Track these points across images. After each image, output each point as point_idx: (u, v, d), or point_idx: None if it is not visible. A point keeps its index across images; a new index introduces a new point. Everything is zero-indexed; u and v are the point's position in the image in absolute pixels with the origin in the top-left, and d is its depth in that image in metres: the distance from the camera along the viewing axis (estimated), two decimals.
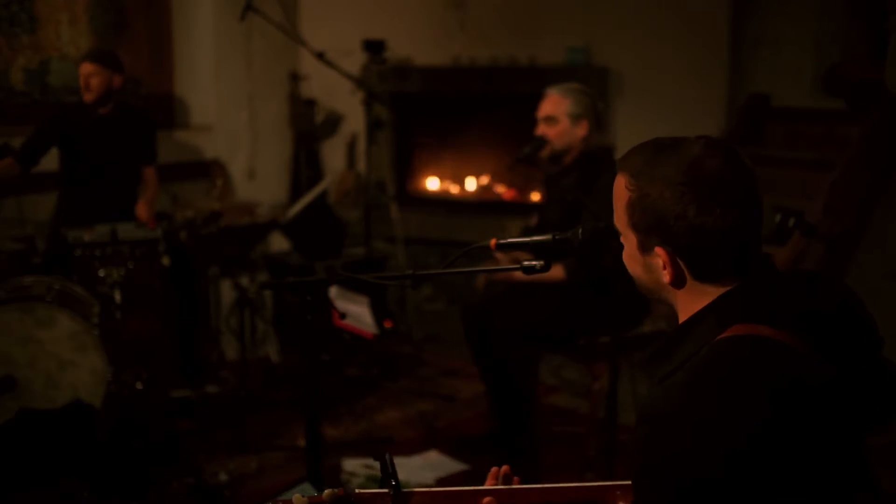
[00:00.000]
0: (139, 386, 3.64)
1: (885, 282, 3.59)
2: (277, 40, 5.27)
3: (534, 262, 2.02)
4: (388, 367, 4.57)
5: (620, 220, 1.43)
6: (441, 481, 3.36)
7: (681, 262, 1.37)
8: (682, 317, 1.42)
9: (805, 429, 1.26)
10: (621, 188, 1.41)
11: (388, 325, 4.37)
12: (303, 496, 1.46)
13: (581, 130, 3.40)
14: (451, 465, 3.52)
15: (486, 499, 1.47)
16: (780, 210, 3.24)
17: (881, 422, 1.40)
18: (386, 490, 1.48)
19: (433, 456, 3.60)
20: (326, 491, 1.47)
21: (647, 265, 1.42)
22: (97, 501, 3.03)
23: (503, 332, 3.37)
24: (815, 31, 4.89)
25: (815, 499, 1.26)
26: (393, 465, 1.48)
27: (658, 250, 1.37)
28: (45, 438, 3.10)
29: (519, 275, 2.13)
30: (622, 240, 1.46)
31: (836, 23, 4.86)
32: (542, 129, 3.44)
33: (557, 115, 3.41)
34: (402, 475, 1.53)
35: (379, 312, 4.17)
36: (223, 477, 3.36)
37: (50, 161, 4.01)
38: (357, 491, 1.48)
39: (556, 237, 2.01)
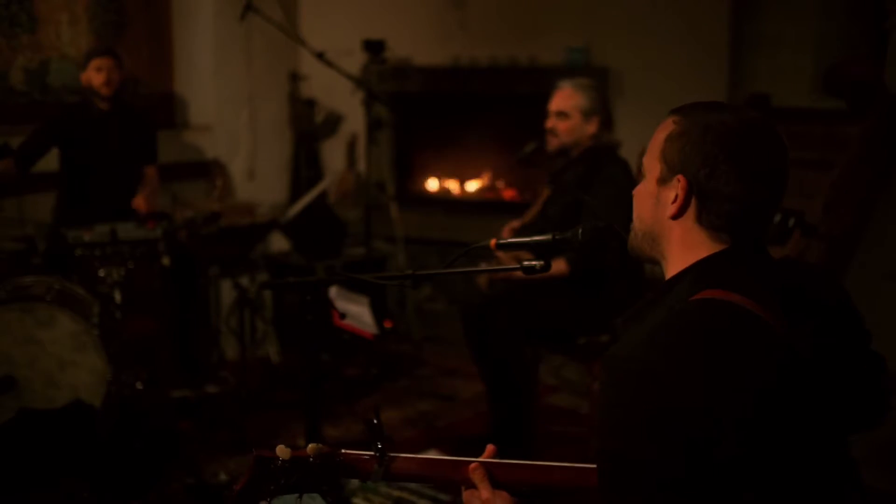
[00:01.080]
0: (139, 386, 3.64)
1: (885, 282, 3.59)
2: (277, 40, 5.27)
3: (534, 262, 2.02)
4: (388, 367, 4.57)
5: (653, 152, 1.47)
6: None
7: (693, 199, 1.41)
8: (668, 267, 1.46)
9: (762, 397, 1.27)
10: (667, 124, 1.46)
11: (388, 325, 4.37)
12: (285, 447, 1.45)
13: (591, 127, 3.40)
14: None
15: (473, 465, 1.47)
16: (780, 210, 3.23)
17: (867, 417, 1.40)
18: (371, 452, 1.48)
19: (432, 455, 3.59)
20: (311, 445, 1.47)
21: (658, 198, 1.45)
22: (97, 501, 3.03)
23: (503, 332, 3.37)
24: (815, 31, 4.89)
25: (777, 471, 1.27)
26: (381, 426, 1.48)
27: (679, 177, 1.41)
28: (45, 438, 3.10)
29: (520, 274, 2.13)
30: (643, 182, 1.49)
31: (836, 23, 4.86)
32: (552, 123, 3.43)
33: (569, 111, 3.39)
34: None
35: (379, 312, 4.17)
36: (223, 477, 3.36)
37: (50, 161, 4.01)
38: (343, 451, 1.48)
39: (556, 237, 2.01)
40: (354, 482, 3.27)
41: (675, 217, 1.43)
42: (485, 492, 1.45)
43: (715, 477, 1.24)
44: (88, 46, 4.63)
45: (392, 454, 1.48)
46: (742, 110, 1.44)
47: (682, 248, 1.44)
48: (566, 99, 3.41)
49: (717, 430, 1.24)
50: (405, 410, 4.11)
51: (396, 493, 3.20)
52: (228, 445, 3.65)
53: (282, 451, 1.45)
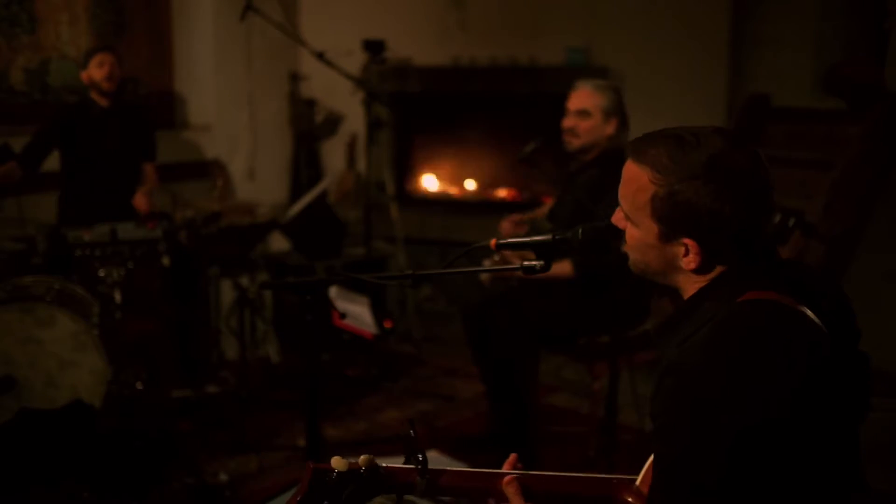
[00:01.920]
0: (139, 386, 3.64)
1: (885, 282, 3.59)
2: (277, 40, 5.27)
3: (534, 263, 2.02)
4: (388, 367, 4.57)
5: (640, 210, 1.45)
6: None
7: (705, 254, 1.42)
8: (689, 292, 1.47)
9: (822, 387, 1.30)
10: (643, 181, 1.44)
11: (388, 325, 4.36)
12: (341, 459, 1.46)
13: (610, 128, 3.38)
14: (452, 466, 3.52)
15: (507, 478, 1.49)
16: (780, 210, 3.23)
17: (859, 416, 1.42)
18: (412, 466, 1.49)
19: (433, 456, 3.58)
20: (363, 457, 1.47)
21: (665, 253, 1.45)
22: (97, 501, 3.03)
23: (503, 332, 3.37)
24: (815, 31, 4.89)
25: (817, 468, 1.31)
26: (417, 439, 1.49)
27: (687, 241, 1.41)
28: (45, 438, 3.10)
29: (520, 274, 2.12)
30: (633, 228, 1.49)
31: (836, 23, 4.86)
32: (572, 122, 3.39)
33: (591, 110, 3.37)
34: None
35: (379, 312, 4.17)
36: (223, 477, 3.35)
37: (50, 161, 4.01)
38: (385, 465, 1.49)
39: (556, 237, 2.01)
40: None
41: (698, 272, 1.44)
42: None
43: (738, 476, 1.27)
44: (88, 46, 4.63)
45: (432, 468, 1.50)
46: (707, 140, 1.41)
47: (700, 276, 1.46)
48: (587, 98, 3.38)
49: (783, 425, 1.27)
50: (405, 410, 4.11)
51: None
52: (228, 445, 3.65)
53: (337, 462, 1.45)
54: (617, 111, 3.38)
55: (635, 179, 1.45)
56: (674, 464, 1.32)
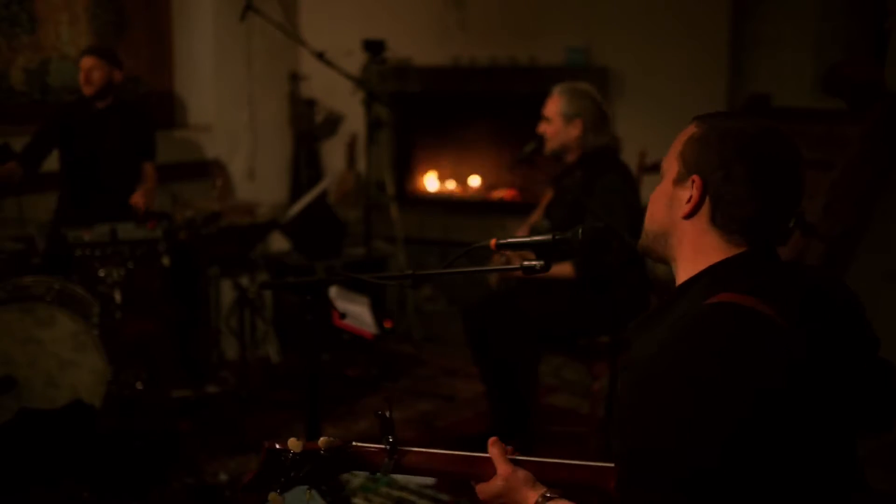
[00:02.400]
0: (139, 386, 3.64)
1: (885, 282, 3.59)
2: (277, 40, 5.27)
3: (534, 263, 2.02)
4: (388, 367, 4.57)
5: (672, 153, 1.49)
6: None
7: (707, 200, 1.43)
8: (679, 269, 1.47)
9: (779, 401, 1.27)
10: (690, 128, 1.49)
11: (388, 325, 4.37)
12: (297, 440, 1.46)
13: (574, 130, 3.41)
14: None
15: (492, 439, 1.50)
16: None
17: (879, 422, 1.41)
18: (382, 446, 1.48)
19: None
20: (322, 438, 1.48)
21: (673, 198, 1.47)
22: (97, 501, 3.03)
23: (503, 332, 3.37)
24: (815, 31, 4.89)
25: (788, 473, 1.29)
26: (392, 421, 1.48)
27: (694, 177, 1.43)
28: (45, 438, 3.10)
29: (520, 274, 2.12)
30: (662, 174, 1.51)
31: (836, 23, 4.86)
32: (541, 128, 3.48)
33: (550, 115, 3.45)
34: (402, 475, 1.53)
35: (379, 312, 4.17)
36: (223, 477, 3.36)
37: (50, 161, 4.01)
38: (354, 444, 1.48)
39: (556, 237, 2.01)
40: (356, 482, 3.27)
41: (688, 216, 1.44)
42: (504, 466, 1.47)
43: (726, 476, 1.26)
44: (88, 46, 4.63)
45: (402, 448, 1.49)
46: (761, 120, 1.45)
47: (694, 250, 1.44)
48: (549, 104, 3.47)
49: (731, 432, 1.25)
50: (405, 410, 4.11)
51: (397, 493, 3.20)
52: (228, 445, 3.64)
53: (293, 443, 1.46)
54: (580, 113, 3.40)
55: (685, 130, 1.49)
56: (631, 462, 1.33)
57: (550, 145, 3.46)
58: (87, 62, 4.00)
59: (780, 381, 1.28)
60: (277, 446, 1.48)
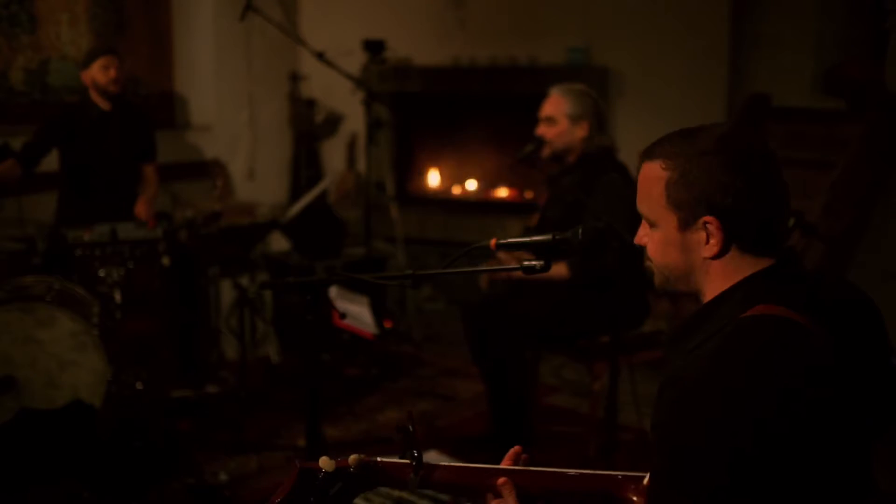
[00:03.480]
0: (139, 386, 3.64)
1: (885, 282, 3.59)
2: (277, 40, 5.27)
3: (534, 262, 2.02)
4: (388, 367, 4.57)
5: (656, 204, 1.44)
6: None
7: (726, 232, 1.40)
8: (709, 295, 1.44)
9: (820, 409, 1.29)
10: (656, 172, 1.43)
11: (388, 325, 4.37)
12: (329, 459, 1.46)
13: (580, 131, 3.40)
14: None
15: (501, 479, 1.48)
16: None
17: (886, 427, 1.41)
18: (408, 461, 1.48)
19: (433, 456, 3.59)
20: (352, 456, 1.47)
21: (686, 243, 1.43)
22: (97, 501, 3.03)
23: (503, 332, 3.37)
24: (815, 31, 4.89)
25: (824, 479, 1.30)
26: (415, 435, 1.49)
27: (707, 218, 1.39)
28: (45, 438, 3.10)
29: (520, 274, 2.12)
30: (654, 229, 1.47)
31: (836, 23, 4.86)
32: (541, 129, 3.46)
33: (556, 116, 3.41)
34: None
35: (379, 312, 4.17)
36: (223, 477, 3.36)
37: (50, 161, 4.01)
38: (379, 459, 1.49)
39: (556, 237, 2.01)
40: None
41: (717, 257, 1.41)
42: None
43: (762, 481, 1.27)
44: (88, 46, 4.64)
45: (427, 463, 1.49)
46: (711, 126, 1.43)
47: (724, 277, 1.42)
48: (553, 105, 3.43)
49: (775, 440, 1.26)
50: (405, 410, 4.11)
51: (397, 493, 3.19)
52: (228, 445, 3.65)
53: (325, 462, 1.45)
54: (586, 114, 3.39)
55: (648, 175, 1.44)
56: (670, 476, 1.32)
57: (553, 146, 3.44)
58: (113, 61, 4.01)
59: (817, 388, 1.29)
60: (308, 465, 1.47)
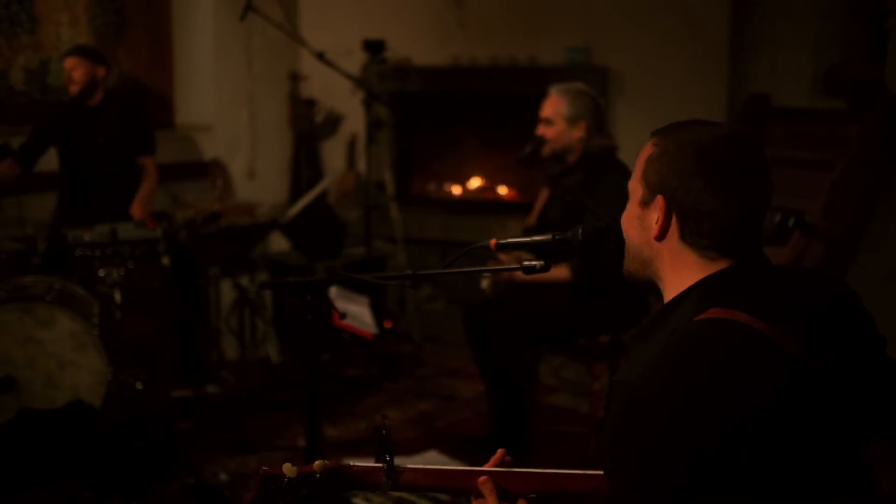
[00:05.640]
0: (139, 386, 3.64)
1: (885, 282, 3.59)
2: (277, 40, 5.27)
3: (534, 262, 2.02)
4: (388, 367, 4.57)
5: (635, 177, 1.48)
6: None
7: (673, 218, 1.41)
8: (668, 293, 1.45)
9: (772, 415, 1.27)
10: (647, 147, 1.47)
11: (388, 325, 4.37)
12: (292, 465, 1.45)
13: (578, 132, 3.40)
14: (452, 465, 3.52)
15: (482, 478, 1.47)
16: (780, 210, 3.23)
17: (886, 422, 1.40)
18: (380, 465, 1.48)
19: (433, 456, 3.59)
20: (317, 462, 1.47)
21: (644, 221, 1.45)
22: (97, 501, 3.03)
23: (503, 332, 3.37)
24: (815, 31, 4.88)
25: (786, 480, 1.28)
26: (390, 438, 1.48)
27: (658, 198, 1.41)
28: (45, 438, 3.10)
29: (520, 275, 2.12)
30: (629, 197, 1.50)
31: (836, 23, 4.85)
32: (541, 130, 3.46)
33: (553, 118, 3.42)
34: None
35: (379, 312, 4.17)
36: (223, 477, 3.36)
37: (50, 161, 4.01)
38: (350, 463, 1.48)
39: (556, 237, 2.01)
40: None
41: (659, 238, 1.43)
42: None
43: (722, 491, 1.25)
44: (70, 47, 4.63)
45: (400, 465, 1.48)
46: (719, 126, 1.44)
47: (674, 269, 1.44)
48: (551, 105, 3.44)
49: (724, 450, 1.25)
50: (405, 410, 4.11)
51: (397, 493, 3.20)
52: (228, 445, 3.65)
53: (288, 468, 1.45)
54: (584, 114, 3.39)
55: (644, 149, 1.47)
56: (621, 482, 1.32)
57: (552, 147, 3.44)
58: (69, 63, 3.99)
59: (768, 394, 1.28)
60: (272, 472, 1.46)
